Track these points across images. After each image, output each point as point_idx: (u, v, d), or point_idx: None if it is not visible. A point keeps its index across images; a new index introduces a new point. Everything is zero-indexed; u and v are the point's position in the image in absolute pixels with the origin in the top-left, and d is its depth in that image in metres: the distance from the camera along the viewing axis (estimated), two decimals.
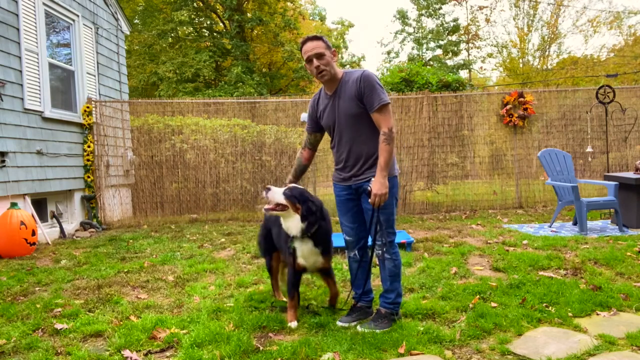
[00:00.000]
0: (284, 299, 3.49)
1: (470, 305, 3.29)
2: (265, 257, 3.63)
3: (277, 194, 2.99)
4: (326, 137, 3.25)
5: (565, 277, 3.98)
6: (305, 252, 3.08)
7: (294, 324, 3.04)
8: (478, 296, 3.46)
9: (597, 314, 3.11)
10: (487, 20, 28.55)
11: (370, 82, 2.84)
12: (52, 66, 7.16)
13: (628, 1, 36.33)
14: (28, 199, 6.39)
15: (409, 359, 2.57)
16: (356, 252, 3.20)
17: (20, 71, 6.39)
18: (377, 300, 3.22)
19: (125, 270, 4.66)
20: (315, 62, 2.87)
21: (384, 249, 3.00)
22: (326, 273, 3.29)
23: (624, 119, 8.77)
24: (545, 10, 28.37)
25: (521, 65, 27.97)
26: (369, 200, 2.84)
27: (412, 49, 30.99)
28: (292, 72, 24.35)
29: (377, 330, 2.90)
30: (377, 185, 2.78)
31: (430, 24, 30.79)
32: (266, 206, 3.04)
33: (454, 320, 3.07)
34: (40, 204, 6.91)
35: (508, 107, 8.63)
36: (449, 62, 29.50)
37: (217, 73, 23.15)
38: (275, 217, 3.23)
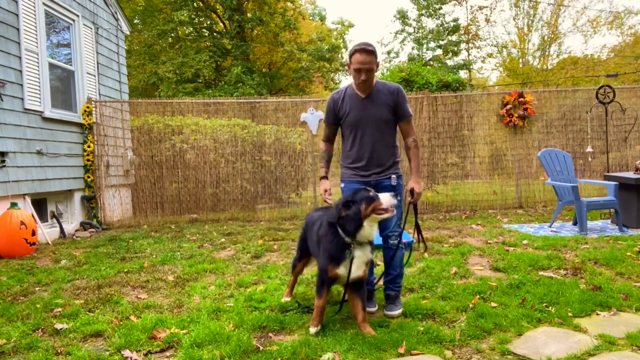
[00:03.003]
0: (286, 300, 3.52)
1: (470, 305, 3.29)
2: (298, 258, 3.58)
3: (391, 198, 2.85)
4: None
5: (565, 277, 3.98)
6: (363, 258, 2.93)
7: (315, 330, 2.90)
8: (478, 296, 3.46)
9: (597, 314, 3.11)
10: (487, 20, 28.57)
11: (404, 96, 3.29)
12: (52, 66, 7.16)
13: (628, 1, 36.33)
14: (28, 199, 6.39)
15: (409, 359, 2.57)
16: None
17: (20, 71, 6.39)
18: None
19: (125, 270, 4.66)
20: (364, 76, 3.10)
21: (399, 240, 3.29)
22: (360, 286, 3.00)
23: (624, 119, 8.77)
24: (545, 10, 28.39)
25: (521, 65, 27.98)
26: (410, 199, 3.25)
27: (412, 49, 30.99)
28: (292, 72, 24.36)
29: (396, 312, 3.17)
30: (418, 185, 3.25)
31: (430, 24, 30.81)
32: (387, 214, 2.84)
33: (454, 320, 3.07)
34: (40, 204, 6.91)
35: (508, 107, 8.63)
36: (449, 62, 29.49)
37: (217, 73, 23.15)
38: (314, 223, 3.22)
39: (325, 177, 3.41)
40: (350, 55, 3.14)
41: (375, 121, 3.22)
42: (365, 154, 3.26)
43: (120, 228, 7.71)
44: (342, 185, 3.38)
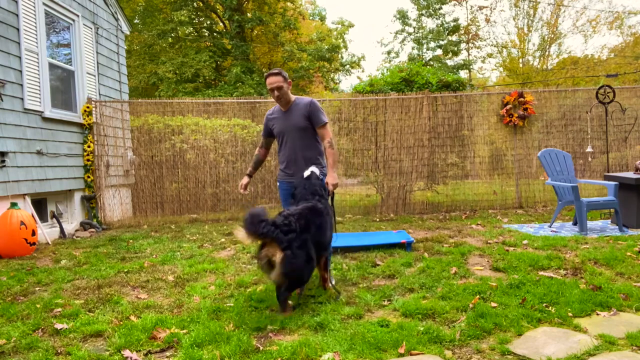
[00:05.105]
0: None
1: (470, 305, 3.29)
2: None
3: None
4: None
5: (565, 277, 3.98)
6: None
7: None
8: (478, 296, 3.46)
9: (597, 314, 3.11)
10: (487, 20, 28.55)
11: (317, 107, 3.89)
12: (52, 66, 7.16)
13: (628, 1, 36.35)
14: (28, 199, 6.39)
15: (409, 359, 2.57)
16: None
17: (20, 71, 6.39)
18: None
19: (125, 270, 4.66)
20: (276, 93, 3.82)
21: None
22: None
23: (624, 119, 8.77)
24: (545, 10, 28.37)
25: (521, 65, 27.95)
26: (329, 190, 3.82)
27: (412, 49, 31.00)
28: (292, 72, 24.34)
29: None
30: (332, 179, 3.76)
31: (430, 24, 30.80)
32: None
33: (454, 320, 3.07)
34: (40, 204, 6.91)
35: (508, 107, 8.63)
36: (449, 62, 29.49)
37: (217, 73, 23.14)
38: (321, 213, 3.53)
39: (248, 175, 4.16)
40: (265, 81, 3.86)
41: (294, 129, 3.88)
42: (290, 156, 3.94)
43: (120, 228, 7.71)
44: (278, 184, 4.10)
